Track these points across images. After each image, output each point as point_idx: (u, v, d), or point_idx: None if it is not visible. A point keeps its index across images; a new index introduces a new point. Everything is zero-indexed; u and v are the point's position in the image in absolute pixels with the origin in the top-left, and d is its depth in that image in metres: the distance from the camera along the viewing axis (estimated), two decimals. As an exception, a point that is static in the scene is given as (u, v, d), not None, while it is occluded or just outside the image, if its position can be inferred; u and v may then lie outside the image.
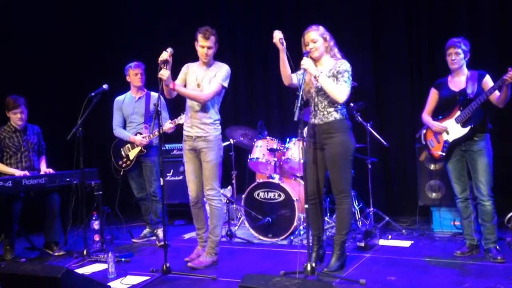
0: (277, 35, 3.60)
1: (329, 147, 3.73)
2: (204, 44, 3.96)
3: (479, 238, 4.10)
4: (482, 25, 5.31)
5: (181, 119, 4.50)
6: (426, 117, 4.23)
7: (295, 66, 3.67)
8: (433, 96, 4.21)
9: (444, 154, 4.09)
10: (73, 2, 6.54)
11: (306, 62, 3.58)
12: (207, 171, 4.04)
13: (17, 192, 4.50)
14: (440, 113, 4.16)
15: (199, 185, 4.12)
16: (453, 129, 4.02)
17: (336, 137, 3.70)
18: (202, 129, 4.04)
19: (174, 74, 4.04)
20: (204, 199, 4.17)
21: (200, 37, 3.97)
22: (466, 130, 3.95)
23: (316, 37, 3.70)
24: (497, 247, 3.95)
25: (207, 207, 4.18)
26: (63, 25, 6.38)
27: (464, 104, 3.94)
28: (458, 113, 3.98)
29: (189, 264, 4.01)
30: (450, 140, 4.04)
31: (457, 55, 3.98)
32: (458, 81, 4.06)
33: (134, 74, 5.00)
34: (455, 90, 4.04)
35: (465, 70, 4.05)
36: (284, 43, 3.60)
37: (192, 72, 4.11)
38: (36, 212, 4.97)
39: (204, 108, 4.03)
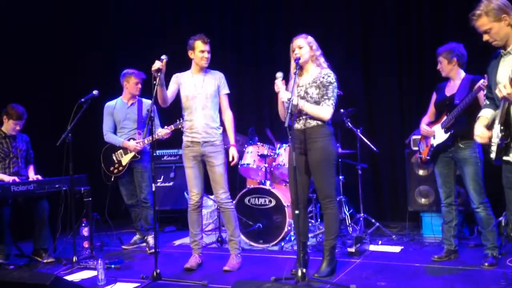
0: (279, 83, 3.68)
1: (311, 153, 3.76)
2: (204, 49, 4.08)
3: (458, 243, 4.14)
4: (471, 29, 5.34)
5: (180, 125, 4.43)
6: (423, 120, 4.24)
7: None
8: (433, 100, 4.22)
9: (428, 158, 4.12)
10: (60, 6, 6.51)
11: (283, 95, 3.68)
12: (218, 175, 4.09)
13: (5, 199, 4.45)
14: (436, 117, 4.18)
15: (202, 189, 4.19)
16: (438, 133, 4.05)
17: (317, 142, 3.73)
18: (210, 133, 4.11)
19: (166, 82, 4.05)
20: (204, 203, 4.18)
21: (199, 42, 4.07)
22: (446, 135, 3.97)
23: (302, 43, 3.76)
24: (494, 253, 3.90)
25: (204, 211, 4.18)
26: (50, 29, 6.34)
27: (450, 110, 3.95)
28: (445, 118, 4.01)
29: (225, 268, 4.03)
30: (435, 144, 4.07)
31: (440, 64, 4.04)
32: (453, 86, 4.05)
33: (134, 83, 4.98)
34: (447, 94, 4.05)
35: (462, 74, 4.04)
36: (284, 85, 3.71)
37: (185, 81, 4.15)
38: (24, 219, 4.91)
39: (210, 113, 4.12)
